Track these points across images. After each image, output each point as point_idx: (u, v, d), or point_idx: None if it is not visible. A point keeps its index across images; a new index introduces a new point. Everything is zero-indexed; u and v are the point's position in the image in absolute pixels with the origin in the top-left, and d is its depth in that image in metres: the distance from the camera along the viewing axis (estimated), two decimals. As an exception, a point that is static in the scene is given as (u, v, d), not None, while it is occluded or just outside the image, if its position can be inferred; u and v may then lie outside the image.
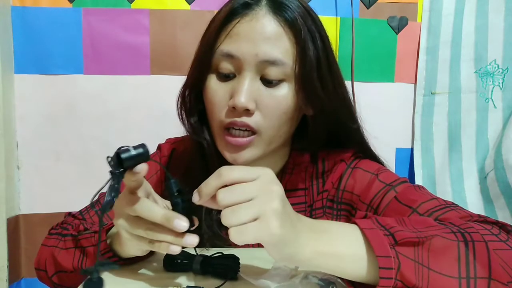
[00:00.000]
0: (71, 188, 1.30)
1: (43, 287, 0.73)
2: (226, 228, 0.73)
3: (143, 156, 0.46)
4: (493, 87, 1.41)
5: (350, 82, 1.35)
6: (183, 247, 0.50)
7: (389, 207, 0.64)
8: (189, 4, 1.32)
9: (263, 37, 0.62)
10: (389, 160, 0.76)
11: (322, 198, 0.74)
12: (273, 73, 0.63)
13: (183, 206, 0.49)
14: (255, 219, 0.43)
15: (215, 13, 0.68)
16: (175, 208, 0.49)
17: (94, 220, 0.76)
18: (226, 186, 0.45)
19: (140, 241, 0.51)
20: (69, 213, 0.78)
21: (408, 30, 1.39)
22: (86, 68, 1.30)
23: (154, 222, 0.48)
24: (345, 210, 0.72)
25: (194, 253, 0.60)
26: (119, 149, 0.46)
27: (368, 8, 1.37)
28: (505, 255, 0.46)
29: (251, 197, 0.44)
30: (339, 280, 0.53)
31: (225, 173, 0.45)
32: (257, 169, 0.47)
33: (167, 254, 0.60)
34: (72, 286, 0.65)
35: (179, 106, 0.71)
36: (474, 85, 1.40)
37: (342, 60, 1.36)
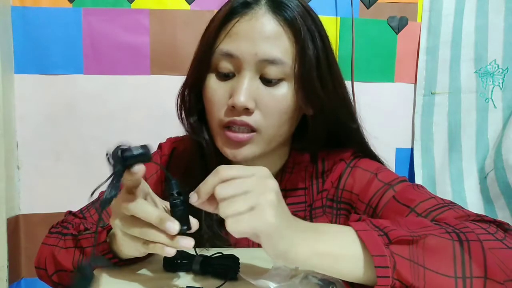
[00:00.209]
0: (71, 188, 1.30)
1: (43, 287, 0.73)
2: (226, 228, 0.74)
3: (145, 156, 0.47)
4: (493, 87, 1.41)
5: (350, 82, 1.34)
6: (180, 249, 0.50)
7: (387, 206, 0.64)
8: (189, 4, 1.32)
9: (263, 36, 0.62)
10: (389, 160, 0.76)
11: (322, 198, 0.74)
12: (272, 72, 0.63)
13: (182, 207, 0.49)
14: (251, 209, 0.44)
15: (215, 13, 0.69)
16: (173, 209, 0.49)
17: (94, 219, 0.76)
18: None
19: (135, 241, 0.51)
20: (70, 212, 0.78)
21: (408, 30, 1.39)
22: (86, 68, 1.30)
23: (150, 223, 0.48)
24: (344, 210, 0.72)
25: (194, 253, 0.60)
26: (119, 146, 0.46)
27: (368, 8, 1.37)
28: (501, 254, 0.46)
29: (247, 190, 0.45)
30: (339, 280, 0.53)
31: (222, 170, 0.47)
32: (254, 167, 0.48)
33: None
34: (71, 284, 0.66)
35: (178, 105, 0.72)
36: (474, 85, 1.40)
37: (342, 60, 1.36)
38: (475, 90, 1.40)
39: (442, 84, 1.39)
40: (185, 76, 0.71)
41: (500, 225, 0.51)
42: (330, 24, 1.36)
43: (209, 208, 0.49)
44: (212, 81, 0.66)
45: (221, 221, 0.73)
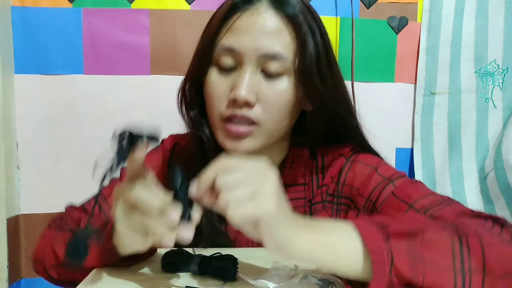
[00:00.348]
0: (71, 188, 1.30)
1: (43, 287, 0.73)
2: (226, 224, 0.74)
3: (153, 138, 0.47)
4: (493, 87, 1.41)
5: (350, 82, 1.35)
6: (181, 246, 0.50)
7: (387, 201, 0.65)
8: (189, 4, 1.32)
9: (264, 31, 0.63)
10: (389, 160, 0.76)
11: (322, 193, 0.74)
12: (273, 67, 0.64)
13: (184, 196, 0.48)
14: (252, 197, 0.44)
15: (209, 19, 0.69)
16: (176, 196, 0.48)
17: (96, 212, 0.75)
18: None
19: (135, 232, 0.50)
20: (70, 205, 0.78)
21: (408, 30, 1.39)
22: (86, 68, 1.30)
23: (151, 212, 0.48)
24: (345, 205, 0.73)
25: (192, 254, 0.60)
26: (127, 129, 0.47)
27: (368, 8, 1.37)
28: (500, 249, 0.46)
29: (248, 179, 0.45)
30: (338, 280, 0.53)
31: (222, 160, 0.47)
32: (254, 158, 0.48)
33: (165, 254, 0.60)
34: (68, 280, 0.65)
35: (179, 100, 0.72)
36: (474, 85, 1.40)
37: (342, 60, 1.36)
38: (475, 90, 1.40)
39: (442, 84, 1.39)
40: (182, 82, 0.72)
41: (496, 220, 0.51)
42: (330, 24, 1.36)
43: (208, 202, 0.48)
44: (213, 75, 0.66)
45: (221, 216, 0.74)
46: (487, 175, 1.36)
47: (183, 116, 0.73)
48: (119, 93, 1.31)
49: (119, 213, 0.50)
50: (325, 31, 0.69)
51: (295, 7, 0.64)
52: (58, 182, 1.31)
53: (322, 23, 0.68)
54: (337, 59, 0.71)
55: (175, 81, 0.72)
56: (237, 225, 0.45)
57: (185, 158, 0.77)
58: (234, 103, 0.63)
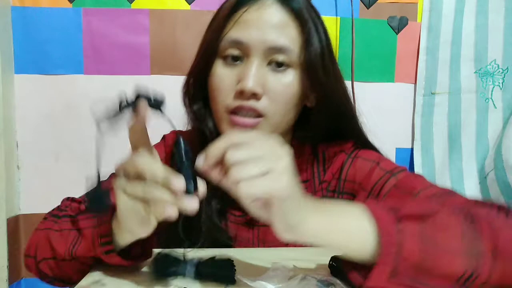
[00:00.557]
0: (71, 188, 1.29)
1: (43, 287, 0.73)
2: (226, 220, 0.74)
3: (157, 103, 0.48)
4: (493, 87, 1.40)
5: (350, 82, 1.34)
6: (172, 246, 0.48)
7: (390, 194, 0.66)
8: (189, 4, 1.32)
9: (271, 25, 0.65)
10: (384, 156, 0.76)
11: (322, 189, 0.75)
12: (280, 59, 0.65)
13: (189, 167, 0.46)
14: (265, 174, 0.42)
15: (215, 13, 0.70)
16: (180, 168, 0.47)
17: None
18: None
19: (136, 206, 0.47)
20: (67, 198, 0.77)
21: (408, 30, 1.39)
22: (86, 68, 1.30)
23: (153, 182, 0.46)
24: (346, 201, 0.73)
25: (185, 258, 0.57)
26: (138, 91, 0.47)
27: (368, 8, 1.37)
28: (508, 233, 0.46)
29: (260, 155, 0.44)
30: (337, 281, 0.53)
31: (233, 135, 0.46)
32: (265, 135, 0.48)
33: (155, 260, 0.56)
34: (61, 277, 0.63)
35: (183, 94, 0.73)
36: (474, 85, 1.40)
37: (342, 60, 1.36)
38: (475, 90, 1.40)
39: (442, 84, 1.39)
40: (186, 76, 0.73)
41: (500, 208, 0.51)
42: (330, 24, 1.36)
43: (214, 177, 0.46)
44: (219, 68, 0.67)
45: (220, 212, 0.73)
46: (487, 175, 1.36)
47: (186, 109, 0.74)
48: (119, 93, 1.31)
49: (122, 183, 0.49)
50: (326, 29, 0.71)
51: (300, 2, 0.67)
52: (58, 182, 1.31)
53: (323, 22, 0.71)
54: (337, 59, 0.73)
55: (175, 81, 0.72)
56: (246, 203, 0.44)
57: None
58: (241, 94, 0.64)
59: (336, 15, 1.37)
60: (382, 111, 1.39)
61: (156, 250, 0.60)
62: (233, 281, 0.54)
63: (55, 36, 1.28)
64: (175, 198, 0.45)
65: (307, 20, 0.66)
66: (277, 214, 0.44)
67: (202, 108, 0.72)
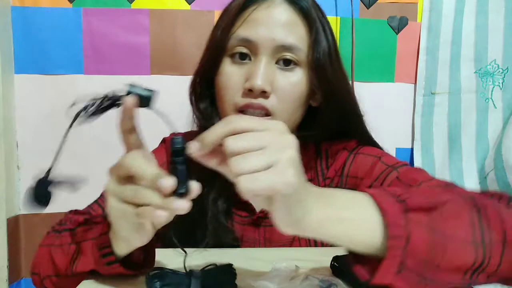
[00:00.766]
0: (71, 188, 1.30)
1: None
2: (232, 220, 0.74)
3: (146, 98, 0.46)
4: (493, 87, 1.41)
5: (350, 82, 1.34)
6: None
7: (391, 186, 0.65)
8: (189, 4, 1.32)
9: (280, 23, 0.66)
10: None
11: (325, 186, 0.76)
12: (288, 58, 0.66)
13: (182, 166, 0.43)
14: (268, 167, 0.39)
15: (215, 13, 0.71)
16: (172, 168, 0.44)
17: (98, 213, 0.73)
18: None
19: (127, 211, 0.46)
20: (71, 211, 0.77)
21: (408, 30, 1.39)
22: (86, 68, 1.30)
23: (143, 181, 0.44)
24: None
25: (187, 271, 0.54)
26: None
27: (368, 8, 1.37)
28: None
29: (263, 146, 0.40)
30: (339, 281, 0.53)
31: (234, 120, 0.42)
32: (268, 120, 0.45)
33: (151, 278, 0.52)
34: None
35: (189, 93, 0.74)
36: (474, 85, 1.40)
37: (342, 60, 1.36)
38: (475, 90, 1.40)
39: (442, 84, 1.39)
40: (185, 76, 0.74)
41: (501, 197, 0.50)
42: (330, 24, 1.36)
43: (210, 162, 0.44)
44: (227, 66, 0.67)
45: (227, 212, 0.74)
46: (487, 175, 1.36)
47: (193, 109, 0.74)
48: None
49: (112, 186, 0.47)
50: (332, 28, 0.72)
51: (308, 2, 0.68)
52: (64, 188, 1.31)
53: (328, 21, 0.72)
54: (337, 59, 0.73)
55: (175, 81, 0.73)
56: (248, 197, 0.40)
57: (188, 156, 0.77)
58: (249, 92, 0.65)
59: (336, 15, 1.37)
60: (382, 111, 1.39)
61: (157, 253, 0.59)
62: (234, 286, 0.53)
63: (55, 36, 1.28)
64: (164, 200, 0.43)
65: (315, 20, 0.67)
66: (280, 209, 0.41)
67: (209, 107, 0.73)
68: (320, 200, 0.44)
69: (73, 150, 1.31)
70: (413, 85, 1.41)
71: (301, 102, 0.69)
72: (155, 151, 0.80)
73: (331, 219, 0.43)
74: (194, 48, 1.30)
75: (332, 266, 0.57)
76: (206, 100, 0.73)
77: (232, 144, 0.40)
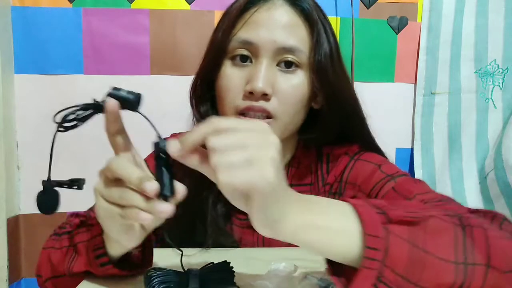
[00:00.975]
0: (71, 188, 1.30)
1: (43, 287, 0.73)
2: (231, 223, 0.74)
3: (130, 101, 0.46)
4: (493, 87, 1.40)
5: (352, 84, 1.35)
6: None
7: (386, 196, 0.65)
8: (189, 4, 1.32)
9: (281, 25, 0.65)
10: (389, 159, 0.76)
11: (325, 191, 0.75)
12: (289, 60, 0.65)
13: (167, 169, 0.44)
14: (249, 164, 0.38)
15: (215, 13, 0.70)
16: (156, 171, 0.44)
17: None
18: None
19: (114, 212, 0.46)
20: (72, 213, 0.77)
21: (408, 30, 1.39)
22: (86, 68, 1.30)
23: (129, 184, 0.44)
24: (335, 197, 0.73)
25: (185, 270, 0.55)
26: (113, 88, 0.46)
27: (368, 8, 1.37)
28: (504, 244, 0.43)
29: (245, 144, 0.39)
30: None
31: (216, 120, 0.41)
32: (251, 121, 0.45)
33: (150, 278, 0.53)
34: None
35: (190, 95, 0.73)
36: (474, 85, 1.40)
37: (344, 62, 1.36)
38: (475, 90, 1.40)
39: (442, 84, 1.39)
40: (185, 76, 0.73)
41: (495, 216, 0.49)
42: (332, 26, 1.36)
43: (190, 162, 0.43)
44: (228, 68, 0.67)
45: (226, 215, 0.73)
46: (487, 175, 1.36)
47: (193, 111, 0.74)
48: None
49: (100, 187, 0.47)
50: (333, 30, 0.71)
51: (309, 3, 0.67)
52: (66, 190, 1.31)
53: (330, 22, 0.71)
54: (337, 59, 0.73)
55: (175, 81, 0.73)
56: (226, 193, 0.40)
57: None
58: (250, 95, 0.64)
59: (336, 15, 1.37)
60: (382, 111, 1.39)
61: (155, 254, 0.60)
62: (233, 284, 0.53)
63: (55, 36, 1.28)
64: (148, 203, 0.43)
65: (316, 21, 0.67)
66: (257, 208, 0.40)
67: (209, 109, 0.72)
68: (299, 205, 0.43)
69: (73, 151, 1.32)
70: (413, 85, 1.41)
71: (302, 104, 0.68)
72: (149, 157, 0.80)
73: (308, 225, 0.42)
74: (194, 48, 1.31)
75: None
76: (207, 102, 0.73)
77: (214, 141, 0.39)
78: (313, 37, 0.67)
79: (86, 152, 1.31)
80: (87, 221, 0.60)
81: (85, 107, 0.47)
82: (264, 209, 0.40)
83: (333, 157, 0.76)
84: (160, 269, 0.53)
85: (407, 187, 0.63)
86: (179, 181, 0.45)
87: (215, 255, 0.65)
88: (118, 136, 0.48)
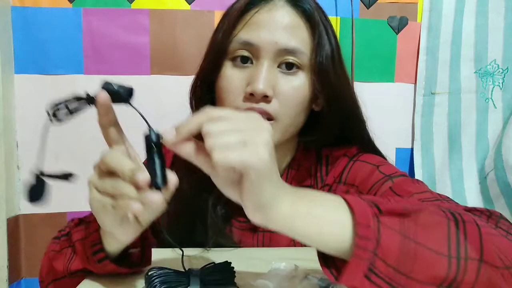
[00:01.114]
0: (71, 188, 1.29)
1: (43, 287, 0.73)
2: (231, 225, 0.74)
3: (119, 95, 0.46)
4: (493, 87, 1.41)
5: (352, 87, 1.35)
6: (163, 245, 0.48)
7: (383, 196, 0.64)
8: (189, 4, 1.32)
9: (282, 26, 0.65)
10: (389, 160, 0.76)
11: None
12: (290, 62, 0.65)
13: (158, 159, 0.44)
14: (243, 145, 0.39)
15: (215, 13, 0.70)
16: (148, 161, 0.44)
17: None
18: None
19: (106, 200, 0.47)
20: (72, 219, 0.77)
21: (408, 30, 1.39)
22: (86, 68, 1.30)
23: (121, 176, 0.45)
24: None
25: (186, 270, 0.55)
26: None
27: (368, 8, 1.37)
28: (497, 240, 0.43)
29: (239, 128, 0.41)
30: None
31: (210, 110, 0.42)
32: (244, 111, 0.45)
33: (151, 278, 0.52)
34: None
35: (189, 97, 0.73)
36: (474, 85, 1.40)
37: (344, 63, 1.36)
38: (475, 90, 1.40)
39: (442, 84, 1.39)
40: (185, 76, 0.73)
41: (491, 215, 0.49)
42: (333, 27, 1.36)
43: (184, 151, 0.43)
44: (228, 70, 0.67)
45: (226, 217, 0.73)
46: (487, 175, 1.36)
47: (193, 113, 0.74)
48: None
49: (93, 179, 0.48)
50: (334, 31, 0.71)
51: (311, 4, 0.67)
52: (58, 182, 1.31)
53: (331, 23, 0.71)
54: (337, 60, 0.72)
55: (175, 81, 0.72)
56: (219, 173, 0.41)
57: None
58: (251, 97, 0.64)
59: (336, 15, 1.37)
60: (382, 111, 1.39)
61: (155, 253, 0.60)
62: (233, 284, 0.53)
63: (55, 36, 1.28)
64: (140, 193, 0.44)
65: (318, 23, 0.66)
66: (249, 190, 0.40)
67: None
68: (291, 193, 0.43)
69: (73, 151, 1.32)
70: (413, 85, 1.41)
71: (303, 106, 0.68)
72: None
73: (299, 213, 0.42)
74: (194, 48, 1.31)
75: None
76: (207, 104, 0.73)
77: (209, 127, 0.40)
78: (315, 39, 0.66)
79: (86, 152, 1.31)
80: (85, 219, 0.60)
81: (76, 99, 0.47)
82: (257, 191, 0.40)
83: (332, 159, 0.76)
84: (161, 268, 0.53)
85: (404, 187, 0.63)
86: (179, 182, 0.46)
87: (216, 255, 0.65)
88: (110, 129, 0.49)
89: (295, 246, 0.73)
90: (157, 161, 0.44)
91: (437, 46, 1.37)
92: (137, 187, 0.44)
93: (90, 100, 0.47)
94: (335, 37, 0.70)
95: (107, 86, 0.47)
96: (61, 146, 1.31)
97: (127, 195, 0.44)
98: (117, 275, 0.57)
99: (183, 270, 0.54)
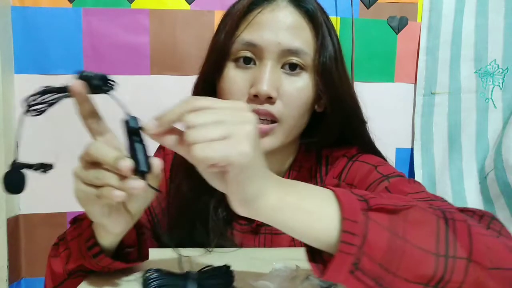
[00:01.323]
0: (71, 188, 1.30)
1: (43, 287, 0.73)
2: (232, 228, 0.74)
3: (94, 83, 0.46)
4: (493, 87, 1.41)
5: (353, 87, 1.35)
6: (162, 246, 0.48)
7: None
8: (189, 4, 1.32)
9: (286, 26, 0.64)
10: (389, 160, 0.76)
11: None
12: (294, 62, 0.65)
13: (141, 146, 0.44)
14: (225, 138, 0.38)
15: (215, 13, 0.69)
16: (131, 149, 0.44)
17: None
18: None
19: (89, 190, 0.46)
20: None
21: (408, 30, 1.39)
22: (86, 68, 1.30)
23: (105, 164, 0.45)
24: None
25: (184, 272, 0.54)
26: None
27: (368, 8, 1.37)
28: (487, 240, 0.42)
29: (222, 120, 0.39)
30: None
31: (192, 99, 0.42)
32: (229, 100, 0.45)
33: (148, 280, 0.52)
34: None
35: None
36: (474, 85, 1.40)
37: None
38: (475, 90, 1.40)
39: (442, 84, 1.39)
40: (185, 76, 0.72)
41: (484, 215, 0.48)
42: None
43: (166, 142, 0.43)
44: (231, 71, 0.66)
45: (227, 220, 0.73)
46: (487, 175, 1.36)
47: None
48: (119, 93, 1.30)
49: (77, 170, 0.48)
50: (336, 32, 0.71)
51: (313, 5, 0.66)
52: (58, 182, 1.31)
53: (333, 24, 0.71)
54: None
55: (175, 81, 0.72)
56: (201, 168, 0.40)
57: (189, 162, 0.76)
58: (255, 98, 0.63)
59: (336, 15, 1.37)
60: (382, 111, 1.39)
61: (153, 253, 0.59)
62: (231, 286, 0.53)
63: (55, 36, 1.28)
64: (121, 181, 0.43)
65: (321, 23, 0.66)
66: (233, 184, 0.40)
67: None
68: (278, 185, 0.43)
69: (73, 151, 1.32)
70: (413, 85, 1.41)
71: (307, 107, 0.67)
72: (156, 153, 0.79)
73: (286, 206, 0.42)
74: (194, 48, 1.31)
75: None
76: None
77: (191, 118, 0.40)
78: (318, 39, 0.66)
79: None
80: (78, 217, 0.60)
81: (52, 90, 0.47)
82: (241, 185, 0.40)
83: (332, 160, 0.76)
84: (158, 270, 0.53)
85: (400, 187, 0.62)
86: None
87: (217, 256, 0.65)
88: (91, 120, 0.49)
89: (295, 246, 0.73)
90: (138, 147, 0.44)
91: (437, 46, 1.37)
92: (122, 175, 0.43)
93: (63, 89, 0.48)
94: (337, 38, 0.69)
95: (81, 75, 0.47)
96: (61, 146, 1.31)
97: (109, 183, 0.44)
98: (114, 277, 0.56)
99: (181, 273, 0.54)
